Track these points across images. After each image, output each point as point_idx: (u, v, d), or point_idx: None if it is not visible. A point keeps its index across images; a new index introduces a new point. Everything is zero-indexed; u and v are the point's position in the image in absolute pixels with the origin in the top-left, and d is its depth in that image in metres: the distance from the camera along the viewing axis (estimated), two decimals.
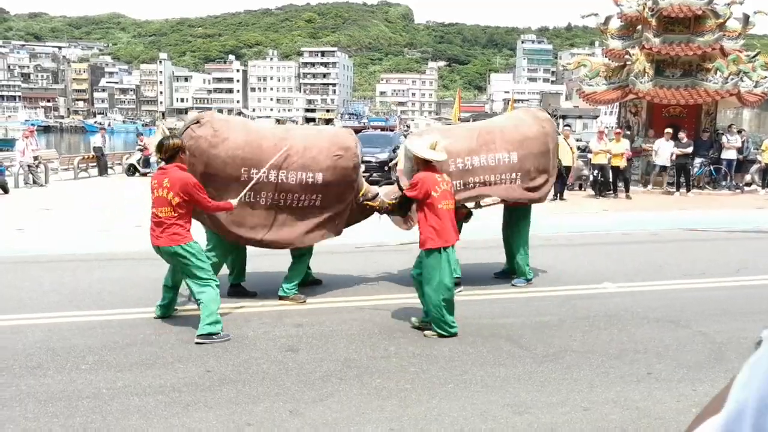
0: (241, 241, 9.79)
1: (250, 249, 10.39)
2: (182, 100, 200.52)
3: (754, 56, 26.46)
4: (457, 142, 10.48)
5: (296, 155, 9.47)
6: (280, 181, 9.40)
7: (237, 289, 10.26)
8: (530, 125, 11.02)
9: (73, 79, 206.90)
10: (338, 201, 9.92)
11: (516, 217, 11.22)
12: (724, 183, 26.17)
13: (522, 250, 11.02)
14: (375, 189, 10.78)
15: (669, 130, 24.30)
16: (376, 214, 10.64)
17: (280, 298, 9.85)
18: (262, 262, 11.71)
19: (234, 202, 8.89)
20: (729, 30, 26.74)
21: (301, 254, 10.21)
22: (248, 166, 9.23)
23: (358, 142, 10.14)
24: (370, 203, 10.18)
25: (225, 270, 10.30)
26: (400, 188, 10.43)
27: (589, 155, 25.80)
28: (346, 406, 6.21)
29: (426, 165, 8.68)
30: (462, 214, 10.56)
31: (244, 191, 9.11)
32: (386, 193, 10.89)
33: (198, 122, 9.51)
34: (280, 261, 10.76)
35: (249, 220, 9.51)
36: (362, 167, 10.74)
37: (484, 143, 10.57)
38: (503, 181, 10.48)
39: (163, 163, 8.63)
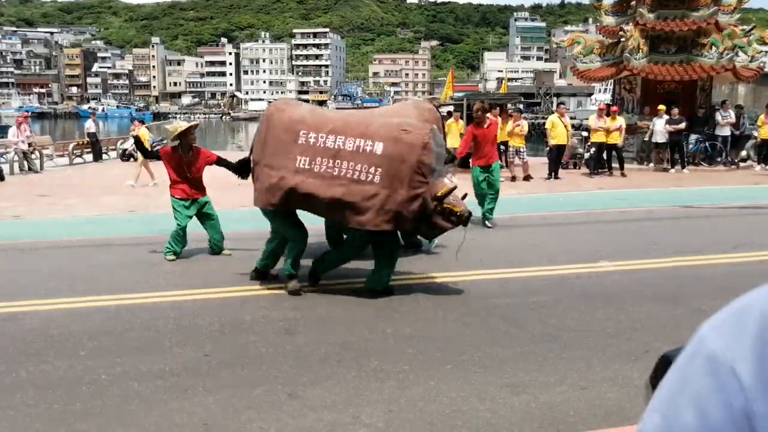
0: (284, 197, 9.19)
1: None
2: (175, 84, 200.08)
3: (749, 30, 26.42)
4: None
5: (358, 125, 9.19)
6: (336, 147, 8.90)
7: (262, 275, 10.21)
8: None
9: (66, 64, 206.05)
10: (401, 184, 8.69)
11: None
12: (719, 159, 26.17)
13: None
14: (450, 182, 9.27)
15: (661, 107, 24.27)
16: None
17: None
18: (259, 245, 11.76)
19: None
20: (724, 4, 26.65)
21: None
22: (308, 129, 9.11)
23: (435, 133, 9.21)
24: (451, 206, 8.89)
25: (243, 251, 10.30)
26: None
27: (584, 133, 25.79)
28: (344, 388, 6.23)
29: None
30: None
31: None
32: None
33: None
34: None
35: (302, 186, 8.97)
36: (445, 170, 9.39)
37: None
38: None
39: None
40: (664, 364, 1.02)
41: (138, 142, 12.80)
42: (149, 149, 13.11)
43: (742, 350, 0.89)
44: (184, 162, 11.60)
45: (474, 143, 14.32)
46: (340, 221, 9.44)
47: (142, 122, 25.81)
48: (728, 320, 0.95)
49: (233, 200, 15.52)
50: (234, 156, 12.46)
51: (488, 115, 15.28)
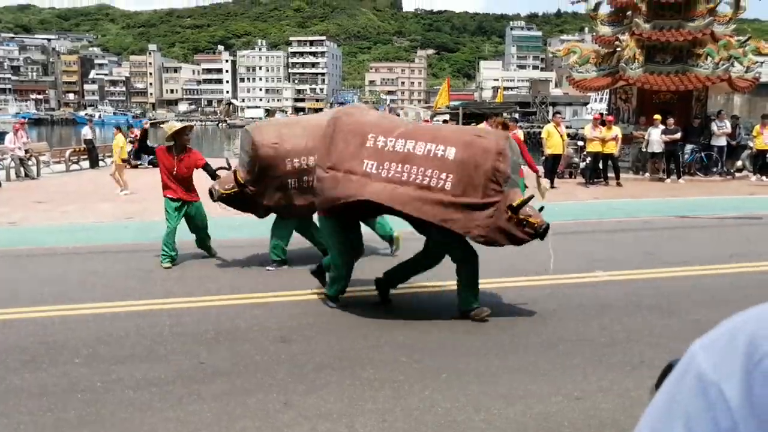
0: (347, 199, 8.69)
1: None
2: (172, 91, 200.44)
3: (745, 41, 26.47)
4: (293, 142, 10.84)
5: (429, 130, 8.86)
6: (406, 150, 8.37)
7: (320, 273, 9.94)
8: None
9: (63, 71, 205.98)
10: (474, 192, 8.21)
11: None
12: (715, 169, 26.23)
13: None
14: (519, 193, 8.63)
15: (657, 116, 24.33)
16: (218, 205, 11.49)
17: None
18: (254, 252, 11.79)
19: None
20: (720, 15, 26.75)
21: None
22: (376, 133, 8.63)
23: (510, 141, 8.61)
24: (528, 218, 8.43)
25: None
26: (237, 182, 10.62)
27: (580, 143, 25.83)
28: (339, 397, 6.22)
29: None
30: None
31: None
32: (220, 182, 11.03)
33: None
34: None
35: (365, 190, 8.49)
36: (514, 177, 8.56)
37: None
38: None
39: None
40: (670, 372, 1.02)
41: (142, 137, 12.99)
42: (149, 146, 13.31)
43: (731, 371, 0.89)
44: (176, 162, 11.70)
45: None
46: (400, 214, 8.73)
47: (119, 129, 25.98)
48: (719, 340, 0.96)
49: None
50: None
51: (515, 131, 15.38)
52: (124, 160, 23.08)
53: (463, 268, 8.83)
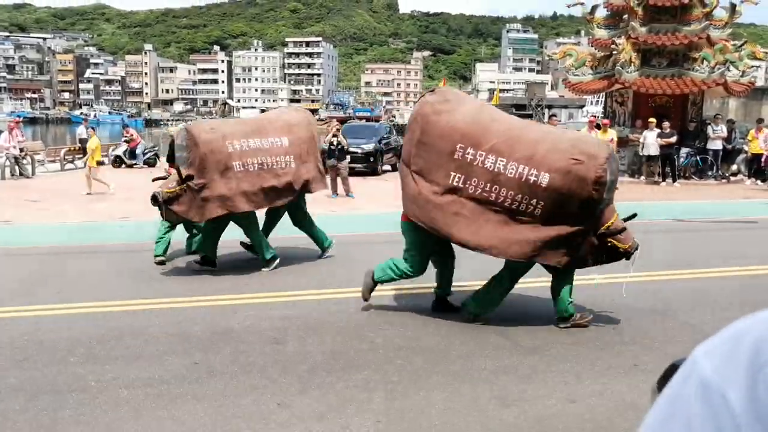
0: (430, 226, 8.43)
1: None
2: (168, 91, 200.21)
3: (740, 45, 26.52)
4: (231, 128, 11.47)
5: (524, 146, 8.07)
6: (496, 170, 7.99)
7: (443, 304, 9.30)
8: (292, 114, 12.36)
9: (59, 70, 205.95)
10: (564, 221, 8.01)
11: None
12: (710, 173, 26.27)
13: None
14: (622, 222, 8.65)
15: (652, 119, 24.37)
16: None
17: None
18: (248, 253, 11.80)
19: None
20: (715, 19, 26.79)
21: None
22: (465, 144, 8.13)
23: (612, 158, 8.17)
24: (616, 242, 8.36)
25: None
26: (180, 177, 10.52)
27: None
28: (334, 398, 6.22)
29: None
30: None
31: None
32: (163, 185, 10.87)
33: (432, 91, 9.04)
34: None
35: (451, 206, 8.25)
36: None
37: (256, 128, 11.52)
38: (279, 163, 11.36)
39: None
40: (673, 372, 1.01)
41: (171, 144, 13.18)
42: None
43: (734, 377, 0.89)
44: None
45: None
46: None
47: (94, 130, 25.94)
48: (721, 346, 0.95)
49: None
50: None
51: None
52: (99, 163, 22.88)
53: (502, 281, 8.79)
